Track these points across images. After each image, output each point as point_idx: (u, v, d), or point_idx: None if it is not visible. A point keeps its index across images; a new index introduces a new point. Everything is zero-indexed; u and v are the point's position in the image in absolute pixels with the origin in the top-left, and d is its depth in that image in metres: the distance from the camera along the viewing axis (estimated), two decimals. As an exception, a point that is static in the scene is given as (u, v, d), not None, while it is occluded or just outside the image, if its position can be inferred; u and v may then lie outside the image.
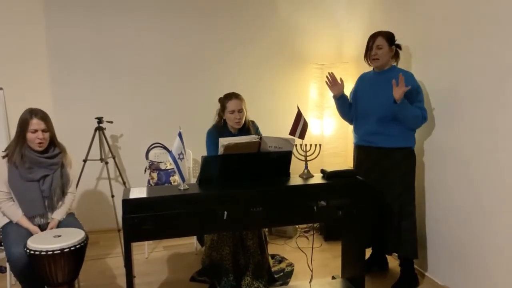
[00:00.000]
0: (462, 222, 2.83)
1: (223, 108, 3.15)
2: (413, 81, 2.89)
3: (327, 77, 3.12)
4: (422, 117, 2.90)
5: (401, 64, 3.13)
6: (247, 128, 3.21)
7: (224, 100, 3.15)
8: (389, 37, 2.99)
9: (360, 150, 3.17)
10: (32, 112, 2.75)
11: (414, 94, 2.88)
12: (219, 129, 3.16)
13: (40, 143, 2.75)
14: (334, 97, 3.18)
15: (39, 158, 2.78)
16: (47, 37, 3.89)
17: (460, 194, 2.84)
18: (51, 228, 2.79)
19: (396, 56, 3.06)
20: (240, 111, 3.10)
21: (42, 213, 2.80)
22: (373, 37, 3.01)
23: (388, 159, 2.98)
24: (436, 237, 3.09)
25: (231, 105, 3.09)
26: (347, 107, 3.20)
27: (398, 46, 3.04)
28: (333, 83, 3.12)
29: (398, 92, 2.76)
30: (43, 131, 2.75)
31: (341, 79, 3.13)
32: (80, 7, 3.92)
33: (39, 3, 3.84)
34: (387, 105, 2.88)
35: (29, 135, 2.73)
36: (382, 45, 2.96)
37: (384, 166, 3.00)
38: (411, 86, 2.81)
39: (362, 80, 3.20)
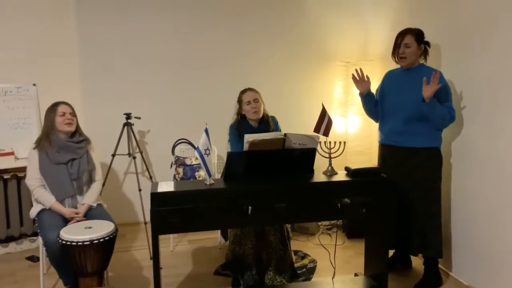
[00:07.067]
0: (488, 223, 2.79)
1: (240, 104, 3.27)
2: (442, 80, 2.83)
3: (354, 73, 3.10)
4: (450, 117, 2.84)
5: (430, 63, 3.08)
6: (266, 121, 3.28)
7: (240, 95, 3.29)
8: (418, 35, 2.94)
9: (385, 149, 3.15)
10: (58, 102, 3.02)
11: (443, 93, 2.83)
12: (240, 123, 3.25)
13: (69, 123, 2.95)
14: (360, 94, 3.17)
15: (66, 142, 2.97)
16: (78, 34, 4.00)
17: (486, 194, 2.80)
18: (83, 211, 2.91)
19: (425, 53, 3.01)
20: (256, 101, 3.20)
21: (71, 195, 2.94)
22: (402, 35, 2.96)
23: (414, 159, 2.95)
24: (462, 237, 3.05)
25: (246, 96, 3.22)
26: (373, 105, 3.19)
27: (427, 44, 2.99)
28: (360, 79, 3.10)
29: (428, 90, 2.71)
30: (70, 113, 2.99)
31: (367, 76, 3.11)
32: (110, 3, 4.01)
33: (72, 3, 3.95)
34: (414, 104, 2.85)
35: (58, 119, 2.95)
36: (411, 43, 2.92)
37: (409, 165, 2.97)
38: (441, 84, 2.76)
39: (389, 78, 3.18)
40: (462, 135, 3.01)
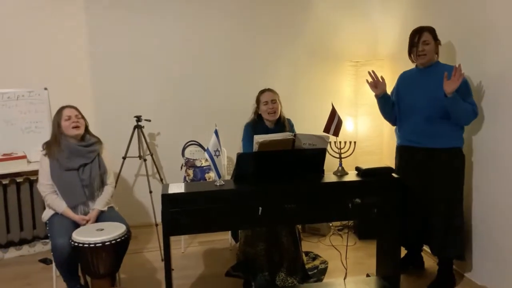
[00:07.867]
0: (504, 223, 2.75)
1: (258, 103, 3.30)
2: None
3: (370, 74, 3.04)
4: (473, 112, 2.77)
5: (443, 60, 3.03)
6: (283, 123, 3.29)
7: (259, 95, 3.31)
8: (433, 32, 2.91)
9: (404, 151, 3.07)
10: (63, 106, 2.98)
11: (463, 88, 2.76)
12: (256, 123, 3.28)
13: (75, 126, 2.91)
14: (376, 96, 3.11)
15: (77, 146, 2.94)
16: (88, 38, 4.04)
17: (504, 195, 2.74)
18: (93, 218, 2.90)
19: (436, 51, 2.97)
20: (274, 102, 3.23)
21: (83, 201, 2.93)
22: (418, 33, 2.90)
23: (436, 160, 2.88)
24: (480, 238, 2.99)
25: (264, 97, 3.26)
26: (390, 106, 3.12)
27: (439, 41, 2.96)
28: (375, 82, 3.04)
29: (451, 85, 2.65)
30: (76, 116, 2.93)
31: (382, 77, 3.05)
32: (120, 6, 4.04)
33: (80, 5, 3.99)
34: (435, 102, 2.80)
35: (64, 123, 2.90)
36: (429, 40, 2.88)
37: (432, 167, 2.90)
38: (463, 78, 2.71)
39: (404, 78, 3.12)
40: (481, 133, 2.93)
